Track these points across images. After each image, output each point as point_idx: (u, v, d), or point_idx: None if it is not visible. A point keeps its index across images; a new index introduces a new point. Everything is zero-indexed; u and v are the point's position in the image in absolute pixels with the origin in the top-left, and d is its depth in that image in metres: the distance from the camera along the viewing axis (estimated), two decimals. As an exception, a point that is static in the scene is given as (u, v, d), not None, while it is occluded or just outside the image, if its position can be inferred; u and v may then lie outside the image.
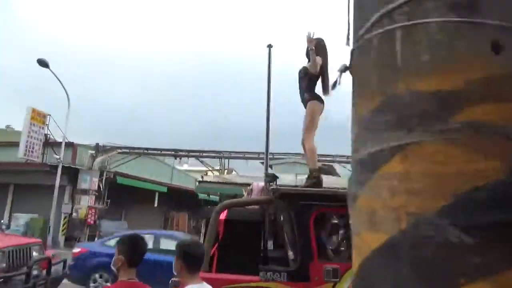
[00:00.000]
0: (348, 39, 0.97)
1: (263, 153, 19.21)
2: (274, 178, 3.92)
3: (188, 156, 17.86)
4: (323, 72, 4.02)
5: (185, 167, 32.41)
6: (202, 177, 16.96)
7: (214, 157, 17.61)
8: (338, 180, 17.53)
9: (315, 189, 3.63)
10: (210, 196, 19.16)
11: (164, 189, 21.47)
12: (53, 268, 5.10)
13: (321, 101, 4.01)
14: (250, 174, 17.23)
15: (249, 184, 15.67)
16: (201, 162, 17.73)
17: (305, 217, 3.25)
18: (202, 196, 24.00)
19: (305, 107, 4.06)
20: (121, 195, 19.83)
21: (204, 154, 17.62)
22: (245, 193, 4.29)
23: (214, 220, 3.23)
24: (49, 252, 5.99)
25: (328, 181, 16.01)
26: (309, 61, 4.12)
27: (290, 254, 3.20)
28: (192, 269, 2.04)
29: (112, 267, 2.12)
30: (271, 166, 18.42)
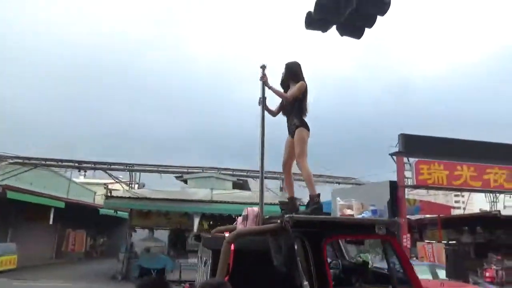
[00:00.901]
0: None
1: (179, 166, 18.62)
2: (293, 206, 3.92)
3: (94, 169, 16.51)
4: (304, 95, 4.19)
5: (81, 179, 29.75)
6: (110, 192, 15.81)
7: (124, 170, 16.58)
8: (251, 194, 18.02)
9: (328, 217, 3.70)
10: (118, 212, 17.93)
11: (62, 205, 19.37)
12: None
13: (308, 128, 4.16)
14: (165, 188, 16.66)
15: (166, 199, 15.05)
16: (110, 175, 16.53)
17: (319, 244, 3.27)
18: (104, 211, 22.25)
19: (292, 132, 4.17)
20: (9, 212, 17.34)
21: (112, 166, 16.48)
22: (239, 220, 4.12)
23: (225, 251, 3.08)
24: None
25: (242, 195, 16.32)
26: (284, 89, 4.32)
27: (305, 284, 3.19)
28: None
29: None
30: (185, 181, 18.05)
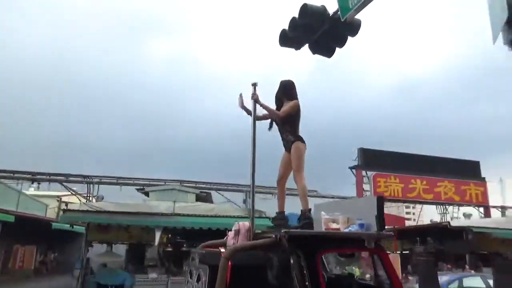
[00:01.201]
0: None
1: (141, 178, 18.15)
2: (285, 220, 3.93)
3: (49, 181, 15.72)
4: (297, 113, 4.34)
5: (32, 191, 28.05)
6: (66, 205, 15.12)
7: (82, 182, 15.92)
8: (215, 207, 17.94)
9: (322, 231, 3.75)
10: (74, 226, 17.11)
11: (11, 219, 18.14)
12: None
13: (304, 142, 4.27)
14: (125, 201, 16.15)
15: (127, 213, 14.63)
16: (67, 188, 15.81)
17: (314, 258, 3.32)
18: (58, 226, 21.06)
19: (289, 148, 4.28)
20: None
21: (70, 178, 15.79)
22: (230, 235, 4.03)
23: (223, 267, 3.06)
24: None
25: (205, 208, 16.21)
26: (277, 107, 4.44)
27: None
28: None
29: None
30: (147, 193, 17.63)
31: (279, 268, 3.27)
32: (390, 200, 20.18)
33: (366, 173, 19.41)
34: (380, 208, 3.64)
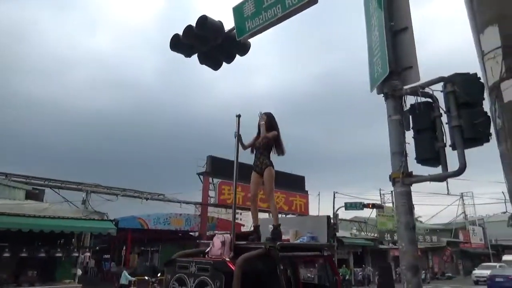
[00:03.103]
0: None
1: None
2: (258, 234, 4.58)
3: None
4: (279, 138, 4.98)
5: None
6: None
7: None
8: (48, 206, 16.42)
9: (301, 243, 4.48)
10: None
11: None
12: None
13: (274, 167, 4.89)
14: None
15: None
16: None
17: (295, 264, 4.02)
18: None
19: (261, 171, 4.84)
20: None
21: None
22: (216, 245, 4.26)
23: (238, 274, 3.42)
24: None
25: (37, 207, 14.87)
26: (259, 133, 4.95)
27: None
28: None
29: None
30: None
31: (269, 273, 3.83)
32: (228, 207, 21.59)
33: (213, 180, 20.36)
34: (329, 224, 4.58)
